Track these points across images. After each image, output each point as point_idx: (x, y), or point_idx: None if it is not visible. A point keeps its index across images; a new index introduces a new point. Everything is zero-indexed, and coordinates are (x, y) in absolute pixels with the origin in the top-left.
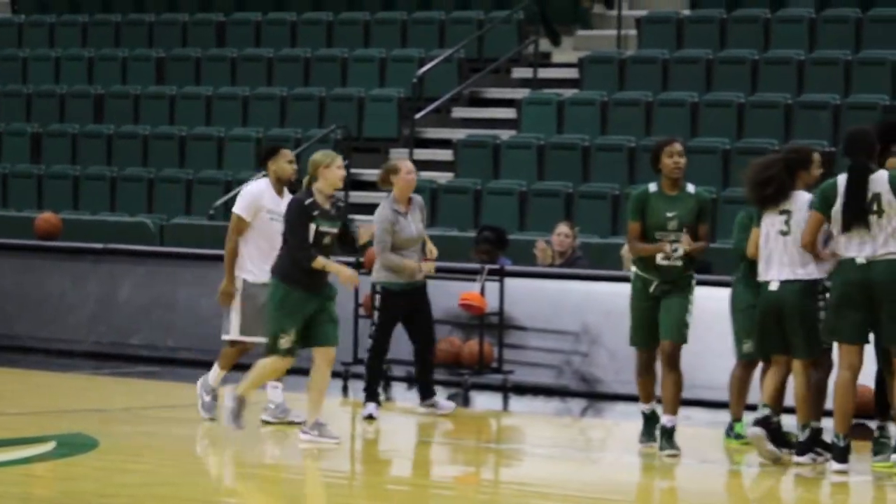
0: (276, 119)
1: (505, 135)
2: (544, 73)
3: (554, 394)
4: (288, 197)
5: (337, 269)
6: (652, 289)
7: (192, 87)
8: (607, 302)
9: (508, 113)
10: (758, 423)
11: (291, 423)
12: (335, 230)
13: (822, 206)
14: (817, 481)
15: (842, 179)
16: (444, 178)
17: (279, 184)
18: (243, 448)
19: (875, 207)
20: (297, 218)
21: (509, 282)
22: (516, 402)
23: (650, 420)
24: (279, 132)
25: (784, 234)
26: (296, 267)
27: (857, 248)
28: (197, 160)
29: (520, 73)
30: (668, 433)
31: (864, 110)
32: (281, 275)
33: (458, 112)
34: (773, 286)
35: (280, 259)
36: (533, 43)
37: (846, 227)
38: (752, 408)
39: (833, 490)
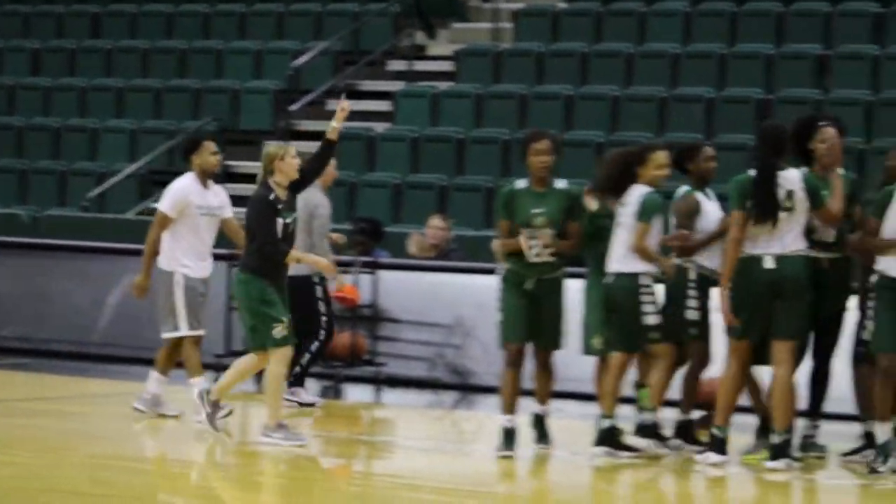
0: (151, 111)
1: (380, 127)
2: (419, 65)
3: (426, 386)
4: (214, 189)
5: (314, 259)
6: (527, 285)
7: (67, 78)
8: (481, 295)
9: (383, 105)
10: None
11: (163, 416)
12: (295, 216)
13: (740, 201)
14: (686, 473)
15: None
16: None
17: (204, 176)
18: (118, 440)
19: (788, 204)
20: (265, 214)
21: (383, 274)
22: (389, 395)
23: (511, 434)
24: (154, 124)
25: (619, 226)
26: (267, 262)
27: (763, 246)
28: (71, 152)
29: (395, 65)
30: (540, 421)
31: (737, 104)
32: (253, 270)
33: (333, 104)
34: (608, 279)
35: (249, 255)
36: (408, 36)
37: (758, 221)
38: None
39: (705, 482)
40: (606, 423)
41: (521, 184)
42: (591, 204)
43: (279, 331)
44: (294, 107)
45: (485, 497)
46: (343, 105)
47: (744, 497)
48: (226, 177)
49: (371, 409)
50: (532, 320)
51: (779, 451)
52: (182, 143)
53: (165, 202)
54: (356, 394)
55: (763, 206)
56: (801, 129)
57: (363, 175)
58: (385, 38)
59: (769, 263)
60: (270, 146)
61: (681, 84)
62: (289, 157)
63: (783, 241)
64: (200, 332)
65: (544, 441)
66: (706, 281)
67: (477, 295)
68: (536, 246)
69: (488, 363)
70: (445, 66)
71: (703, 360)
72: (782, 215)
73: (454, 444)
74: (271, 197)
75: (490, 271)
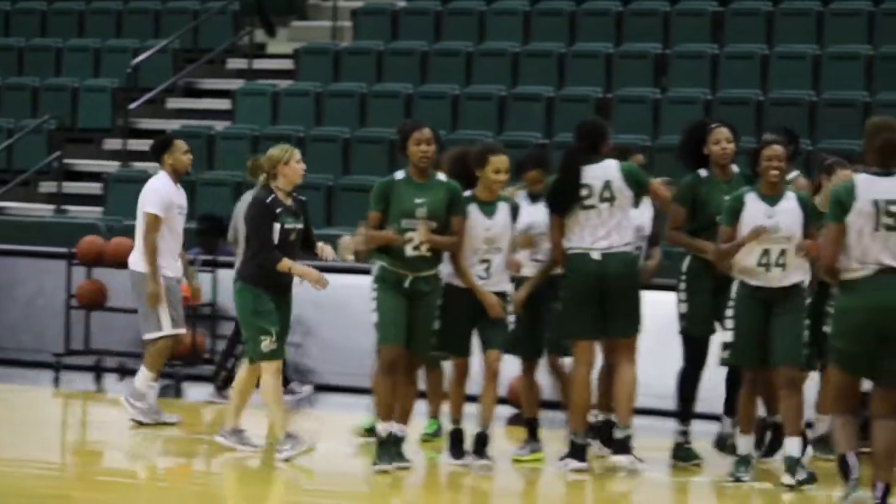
0: None
1: (220, 125)
2: (259, 63)
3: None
4: (182, 190)
5: (303, 271)
6: (407, 284)
7: None
8: (319, 294)
9: (223, 104)
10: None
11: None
12: (300, 226)
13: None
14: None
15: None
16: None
17: (176, 175)
18: None
19: (606, 195)
20: (261, 218)
21: (223, 273)
22: (229, 393)
23: (386, 444)
24: None
25: None
26: (263, 270)
27: (590, 241)
28: None
29: (234, 63)
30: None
31: (576, 102)
32: (248, 278)
33: (173, 103)
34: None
35: (245, 262)
36: (248, 34)
37: (560, 212)
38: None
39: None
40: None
41: (400, 174)
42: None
43: (266, 344)
44: (133, 105)
45: (327, 495)
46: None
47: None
48: (64, 175)
49: (211, 408)
50: (409, 321)
51: (620, 447)
52: (153, 143)
53: (153, 204)
54: (196, 392)
55: (557, 196)
56: (693, 133)
57: (203, 173)
58: (225, 36)
59: (595, 257)
60: (275, 150)
61: (520, 83)
62: (293, 160)
63: (609, 236)
64: (182, 331)
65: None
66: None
67: (315, 294)
68: (416, 238)
69: (327, 362)
70: (285, 64)
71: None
72: (602, 206)
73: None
74: (269, 200)
75: (329, 269)
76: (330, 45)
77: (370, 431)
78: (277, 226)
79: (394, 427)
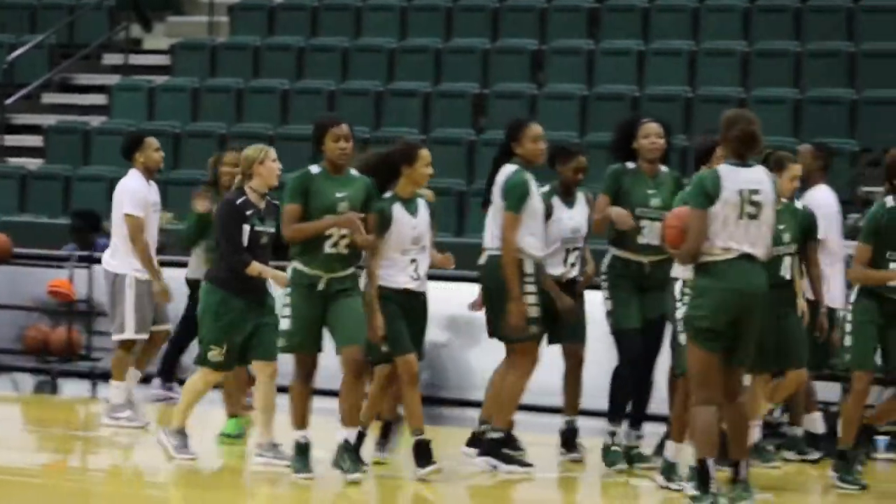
0: None
1: (95, 121)
2: (135, 59)
3: (146, 380)
4: (154, 186)
5: (274, 274)
6: (320, 286)
7: None
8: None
9: (99, 99)
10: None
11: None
12: (271, 230)
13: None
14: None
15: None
16: (33, 164)
17: (148, 174)
18: None
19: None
20: (231, 220)
21: (98, 269)
22: (104, 390)
23: (303, 451)
24: None
25: None
26: (233, 273)
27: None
28: None
29: (111, 59)
30: (348, 449)
31: (453, 98)
32: (218, 281)
33: (49, 98)
34: None
35: (216, 264)
36: (124, 29)
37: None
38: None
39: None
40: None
41: (315, 169)
42: (202, 206)
43: (213, 354)
44: (9, 101)
45: (207, 490)
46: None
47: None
48: None
49: (87, 404)
50: (326, 324)
51: (491, 449)
52: (123, 141)
53: (130, 205)
54: (72, 389)
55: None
56: (625, 128)
57: (79, 168)
58: (100, 32)
59: (482, 261)
60: (249, 149)
61: (396, 79)
62: (269, 160)
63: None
64: (145, 336)
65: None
66: None
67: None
68: (347, 234)
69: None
70: (161, 59)
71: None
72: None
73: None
74: (239, 202)
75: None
76: (206, 40)
77: (229, 437)
78: (247, 228)
79: (346, 433)
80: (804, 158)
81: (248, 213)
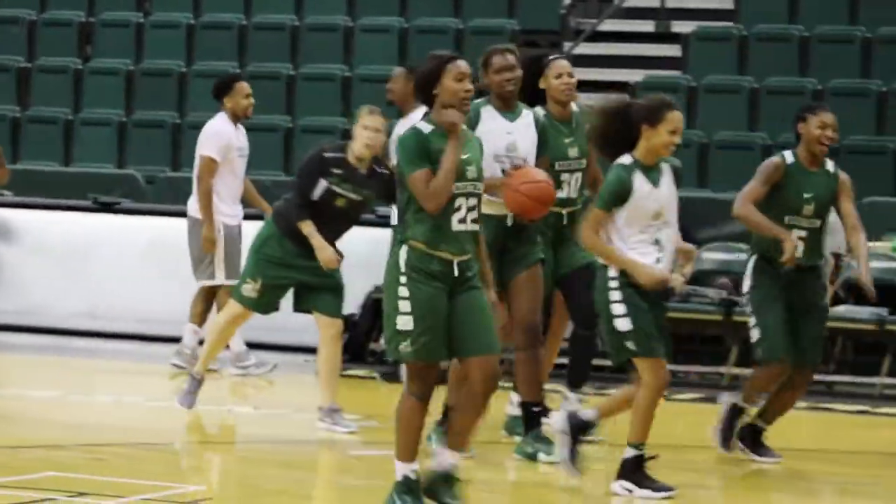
0: None
1: None
2: None
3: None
4: (242, 130)
5: (318, 244)
6: (455, 272)
7: None
8: None
9: None
10: None
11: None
12: (357, 197)
13: None
14: None
15: None
16: None
17: (236, 119)
18: None
19: None
20: (306, 169)
21: None
22: None
23: (413, 488)
24: None
25: None
26: (291, 220)
27: None
28: None
29: None
30: None
31: None
32: (276, 216)
33: None
34: None
35: (285, 203)
36: None
37: None
38: None
39: None
40: None
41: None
42: None
43: (249, 290)
44: None
45: None
46: None
47: None
48: None
49: None
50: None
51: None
52: (214, 84)
53: (209, 146)
54: None
55: None
56: (530, 66)
57: None
58: None
59: None
60: (364, 107)
61: None
62: (361, 124)
63: None
64: (234, 281)
65: None
66: None
67: None
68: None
69: None
70: None
71: None
72: None
73: None
74: (328, 155)
75: None
76: None
77: None
78: (324, 183)
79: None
80: (396, 82)
81: (333, 169)
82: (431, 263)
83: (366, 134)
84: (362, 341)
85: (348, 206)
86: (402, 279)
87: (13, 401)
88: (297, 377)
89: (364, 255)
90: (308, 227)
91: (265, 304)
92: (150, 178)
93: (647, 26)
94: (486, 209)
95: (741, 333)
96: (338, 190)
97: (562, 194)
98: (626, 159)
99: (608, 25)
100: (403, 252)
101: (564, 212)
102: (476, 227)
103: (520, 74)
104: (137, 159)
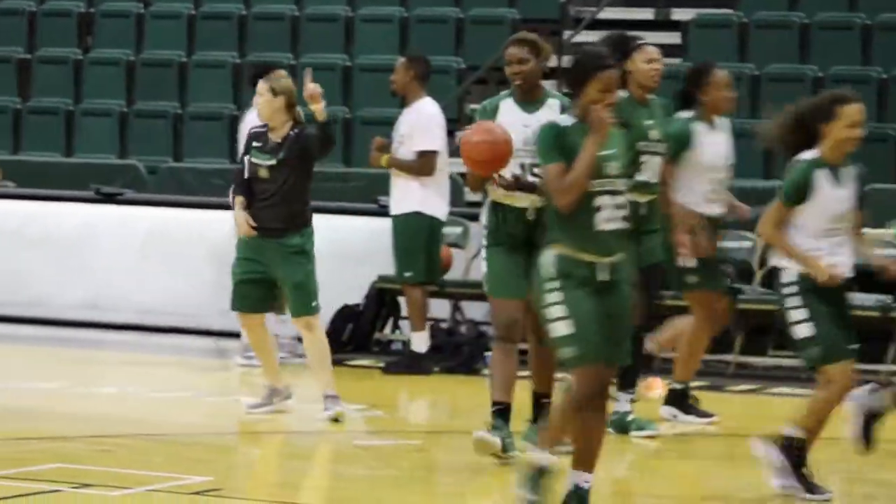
0: None
1: None
2: None
3: None
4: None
5: (237, 216)
6: (603, 275)
7: None
8: None
9: None
10: None
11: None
12: (272, 162)
13: None
14: None
15: None
16: None
17: None
18: None
19: None
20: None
21: None
22: None
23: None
24: None
25: None
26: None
27: None
28: None
29: None
30: None
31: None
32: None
33: None
34: None
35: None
36: None
37: None
38: None
39: None
40: None
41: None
42: None
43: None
44: None
45: None
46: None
47: None
48: None
49: None
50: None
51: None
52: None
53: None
54: None
55: None
56: (617, 47)
57: None
58: None
59: None
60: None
61: None
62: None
63: None
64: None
65: None
66: None
67: None
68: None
69: None
70: None
71: None
72: None
73: None
74: (254, 129)
75: None
76: None
77: None
78: (247, 157)
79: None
80: (398, 72)
81: (255, 143)
82: (577, 267)
83: (255, 101)
84: (367, 331)
85: (269, 174)
86: (552, 284)
87: (17, 393)
88: (303, 367)
89: (366, 244)
90: (237, 201)
91: (238, 302)
92: (151, 168)
93: (647, 14)
94: (505, 201)
95: (749, 321)
96: (255, 161)
97: (640, 177)
98: (809, 154)
99: (608, 13)
100: (550, 256)
101: (642, 200)
102: (625, 225)
103: (529, 68)
104: (139, 149)
